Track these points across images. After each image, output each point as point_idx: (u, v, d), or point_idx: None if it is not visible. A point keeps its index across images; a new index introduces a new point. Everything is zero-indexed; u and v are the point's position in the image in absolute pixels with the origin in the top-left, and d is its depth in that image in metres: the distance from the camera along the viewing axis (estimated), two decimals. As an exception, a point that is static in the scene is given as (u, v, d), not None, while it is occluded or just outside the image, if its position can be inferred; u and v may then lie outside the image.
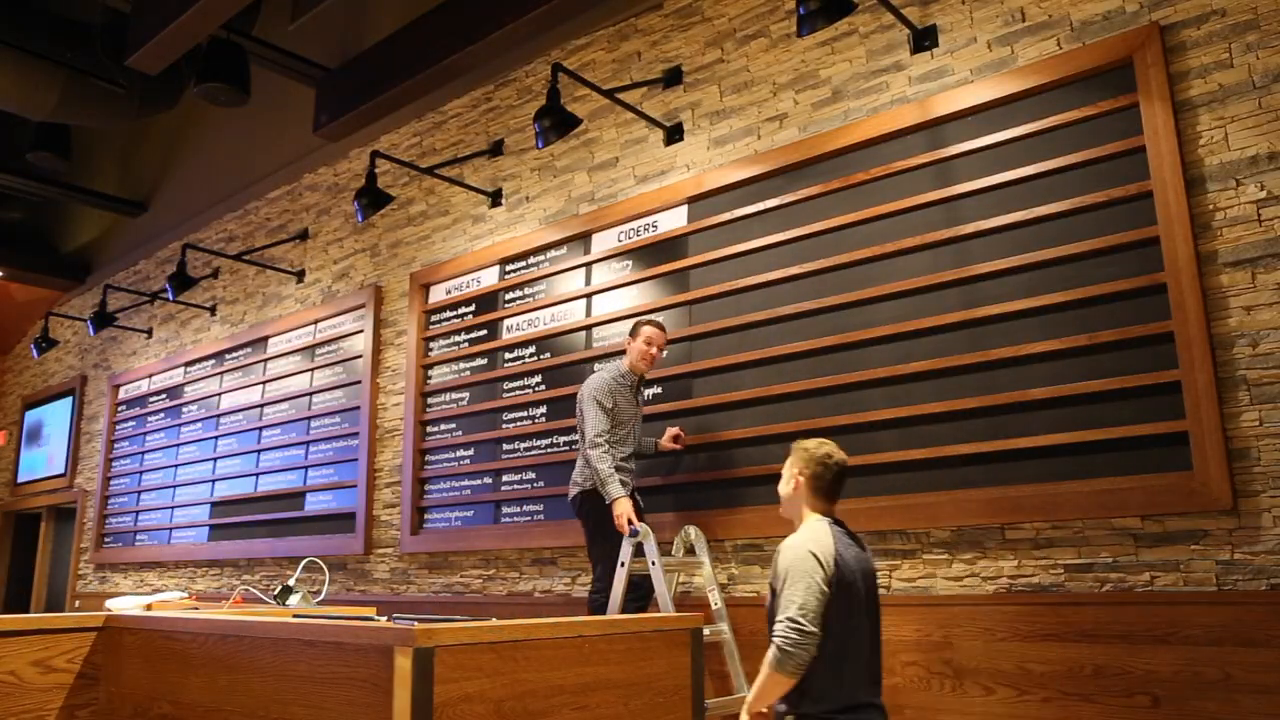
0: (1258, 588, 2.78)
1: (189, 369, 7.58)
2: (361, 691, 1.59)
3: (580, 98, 4.86)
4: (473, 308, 5.41)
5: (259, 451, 6.64)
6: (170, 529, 7.38)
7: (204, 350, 7.39)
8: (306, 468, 6.23)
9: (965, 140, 3.56)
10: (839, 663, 2.46)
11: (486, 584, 4.97)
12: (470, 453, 5.24)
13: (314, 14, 5.06)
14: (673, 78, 4.59)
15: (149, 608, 2.55)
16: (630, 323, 4.60)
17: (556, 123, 4.15)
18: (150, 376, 8.05)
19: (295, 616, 2.23)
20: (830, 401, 3.79)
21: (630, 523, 3.63)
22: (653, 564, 3.65)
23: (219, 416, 7.11)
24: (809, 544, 2.54)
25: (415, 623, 1.60)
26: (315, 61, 5.53)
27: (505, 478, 5.01)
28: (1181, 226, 3.00)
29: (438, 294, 5.63)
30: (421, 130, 5.96)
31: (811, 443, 2.76)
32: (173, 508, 7.41)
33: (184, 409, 7.53)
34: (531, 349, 5.04)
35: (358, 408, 5.94)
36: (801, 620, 2.41)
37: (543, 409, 4.90)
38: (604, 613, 3.62)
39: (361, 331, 6.05)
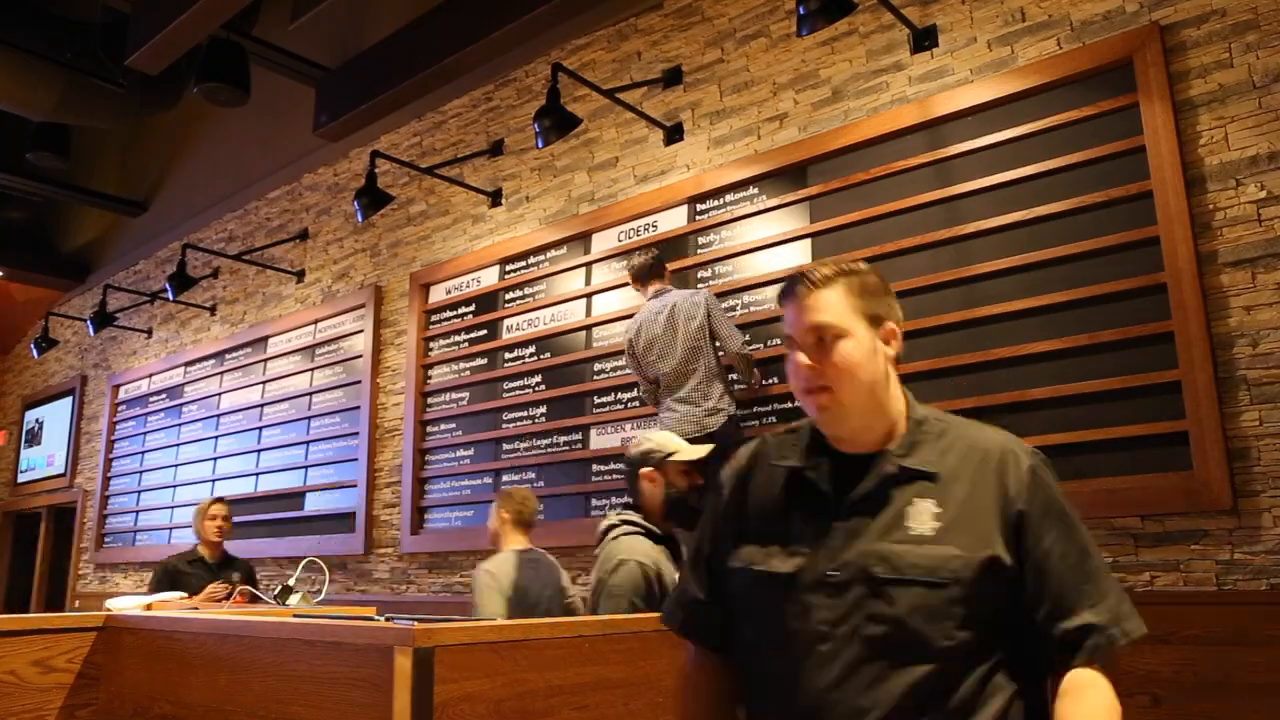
0: (1258, 588, 2.77)
1: (189, 369, 7.58)
2: (361, 691, 1.59)
3: (580, 98, 4.86)
4: (473, 308, 5.41)
5: (259, 451, 6.63)
6: (170, 529, 7.38)
7: (204, 350, 7.39)
8: (306, 467, 6.23)
9: (965, 140, 3.56)
10: None
11: (486, 584, 4.97)
12: (470, 453, 5.23)
13: (314, 14, 5.06)
14: (673, 78, 4.58)
15: (149, 608, 2.55)
16: (630, 324, 4.60)
17: (556, 123, 4.15)
18: (150, 376, 8.05)
19: (295, 616, 2.23)
20: (830, 401, 3.79)
21: None
22: (653, 564, 3.65)
23: (219, 416, 7.11)
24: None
25: (415, 623, 1.60)
26: (315, 61, 5.52)
27: (505, 478, 5.01)
28: (1181, 226, 3.00)
29: (438, 294, 5.63)
30: (421, 130, 5.95)
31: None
32: (173, 508, 7.40)
33: (184, 409, 7.52)
34: (531, 349, 5.04)
35: (358, 408, 5.94)
36: None
37: (543, 409, 4.90)
38: None
39: (361, 331, 6.04)
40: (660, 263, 4.03)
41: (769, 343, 4.02)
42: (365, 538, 5.66)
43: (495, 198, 5.38)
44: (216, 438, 7.08)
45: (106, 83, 5.96)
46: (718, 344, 3.77)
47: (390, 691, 1.52)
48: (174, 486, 7.44)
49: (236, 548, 6.61)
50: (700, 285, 4.31)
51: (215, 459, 7.04)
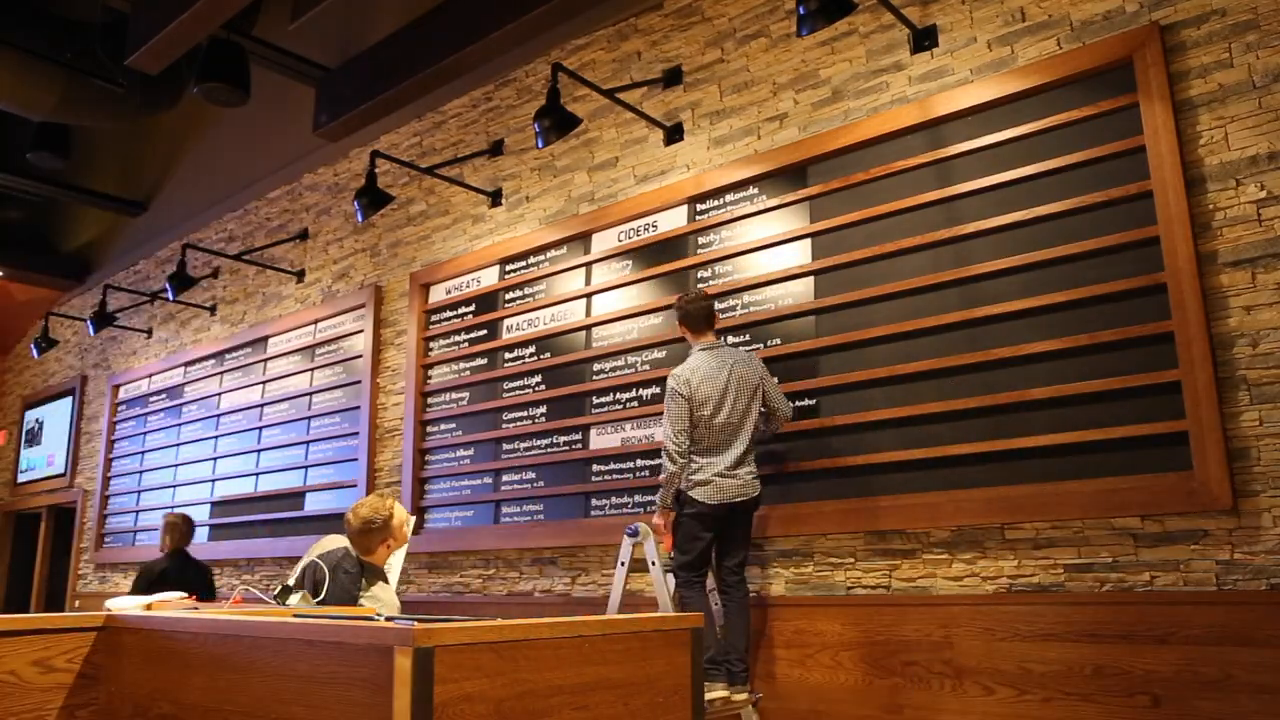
0: (1258, 588, 2.78)
1: (189, 369, 7.58)
2: (361, 691, 1.59)
3: (580, 98, 4.86)
4: (473, 308, 5.41)
5: (259, 451, 6.63)
6: (170, 529, 7.37)
7: (204, 350, 7.39)
8: (306, 467, 6.23)
9: (965, 140, 3.56)
10: None
11: (486, 584, 4.97)
12: (470, 453, 5.23)
13: (314, 14, 5.05)
14: (673, 78, 4.59)
15: (149, 608, 2.55)
16: (629, 324, 4.60)
17: (556, 123, 4.15)
18: (150, 376, 8.05)
19: (295, 616, 2.23)
20: (830, 401, 3.79)
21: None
22: (652, 564, 3.66)
23: (219, 416, 7.11)
24: None
25: (415, 623, 1.60)
26: (315, 61, 5.52)
27: (505, 478, 5.01)
28: (1181, 226, 3.00)
29: (438, 294, 5.63)
30: (421, 130, 5.95)
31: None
32: (172, 508, 7.40)
33: (184, 409, 7.53)
34: (531, 349, 5.04)
35: (358, 408, 5.93)
36: None
37: (543, 409, 4.90)
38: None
39: (361, 331, 6.04)
40: (715, 311, 3.83)
41: (769, 343, 4.03)
42: (365, 538, 5.66)
43: (495, 198, 5.38)
44: (216, 438, 7.08)
45: (106, 83, 5.95)
46: (766, 407, 3.67)
47: (390, 691, 1.52)
48: (174, 486, 7.44)
49: (236, 548, 6.62)
50: (700, 285, 4.31)
51: (215, 459, 7.04)
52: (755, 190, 4.19)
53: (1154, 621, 2.90)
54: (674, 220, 4.50)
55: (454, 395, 5.40)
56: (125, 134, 7.70)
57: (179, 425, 7.54)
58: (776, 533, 3.81)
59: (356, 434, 5.90)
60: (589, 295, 4.82)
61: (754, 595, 3.82)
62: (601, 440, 4.61)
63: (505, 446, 5.05)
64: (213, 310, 7.51)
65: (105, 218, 8.64)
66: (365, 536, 3.34)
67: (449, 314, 5.55)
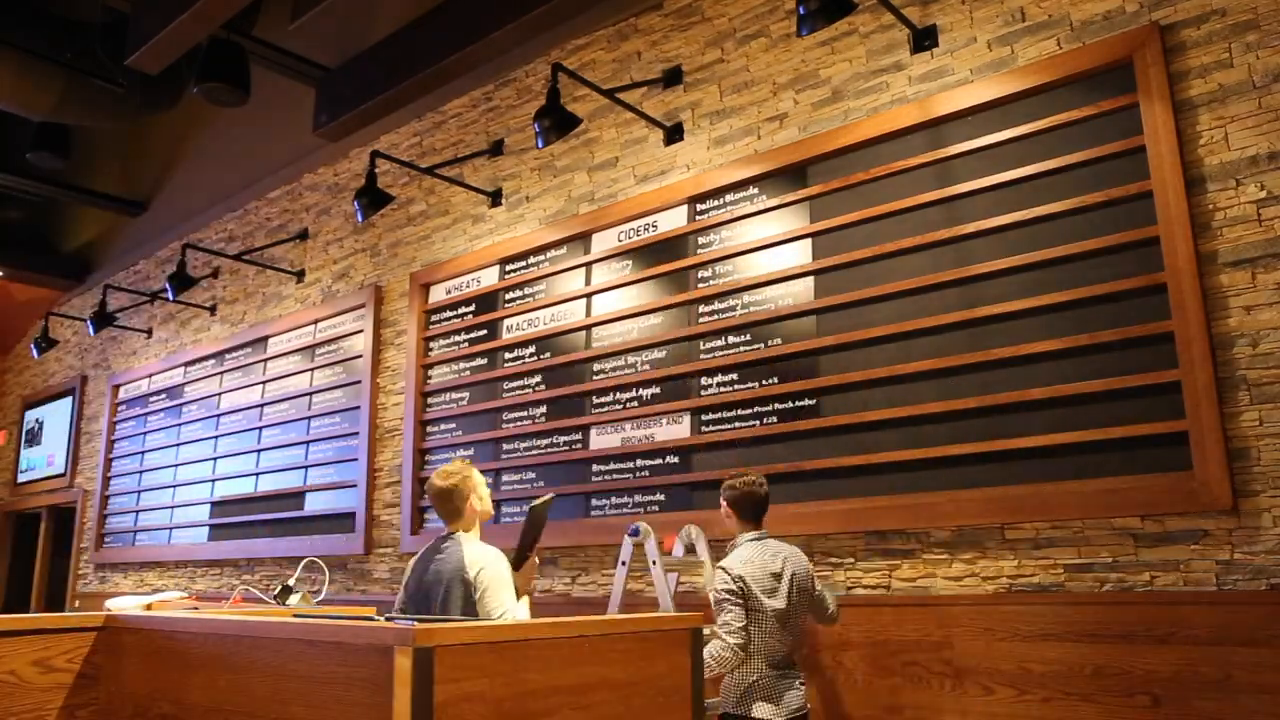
0: (1258, 588, 2.78)
1: (189, 369, 7.58)
2: (362, 691, 1.59)
3: (580, 98, 4.86)
4: (473, 308, 5.41)
5: (259, 451, 6.64)
6: (170, 529, 7.38)
7: (204, 350, 7.39)
8: (306, 467, 6.23)
9: (965, 140, 3.56)
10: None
11: (486, 584, 4.97)
12: (470, 453, 5.23)
13: (314, 14, 5.05)
14: (673, 78, 4.59)
15: (149, 607, 2.55)
16: (629, 324, 4.60)
17: (556, 123, 4.15)
18: (150, 376, 8.05)
19: (295, 616, 2.23)
20: (830, 401, 3.79)
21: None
22: (653, 564, 3.66)
23: (219, 416, 7.11)
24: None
25: (415, 623, 1.60)
26: (315, 61, 5.52)
27: (505, 478, 5.01)
28: (1181, 226, 3.00)
29: (438, 294, 5.63)
30: (421, 130, 5.96)
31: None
32: (173, 507, 7.41)
33: (184, 409, 7.53)
34: (531, 349, 5.04)
35: (358, 408, 5.94)
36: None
37: (543, 409, 4.90)
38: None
39: (361, 331, 6.05)
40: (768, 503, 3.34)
41: (769, 342, 4.03)
42: (365, 538, 5.66)
43: (495, 198, 5.38)
44: (216, 438, 7.08)
45: (106, 83, 5.96)
46: (814, 608, 3.25)
47: (390, 691, 1.52)
48: (174, 486, 7.44)
49: (236, 548, 6.63)
50: (700, 285, 4.31)
51: (215, 459, 7.04)
52: (755, 190, 4.19)
53: (1154, 621, 2.90)
54: (674, 220, 4.50)
55: (454, 395, 5.40)
56: (125, 134, 7.70)
57: (179, 425, 7.54)
58: (776, 533, 3.80)
59: (356, 434, 5.91)
60: (589, 295, 4.82)
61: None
62: (601, 440, 4.61)
63: (505, 446, 5.05)
64: (213, 310, 7.51)
65: (105, 218, 8.64)
66: (449, 499, 3.07)
67: (449, 314, 5.55)
